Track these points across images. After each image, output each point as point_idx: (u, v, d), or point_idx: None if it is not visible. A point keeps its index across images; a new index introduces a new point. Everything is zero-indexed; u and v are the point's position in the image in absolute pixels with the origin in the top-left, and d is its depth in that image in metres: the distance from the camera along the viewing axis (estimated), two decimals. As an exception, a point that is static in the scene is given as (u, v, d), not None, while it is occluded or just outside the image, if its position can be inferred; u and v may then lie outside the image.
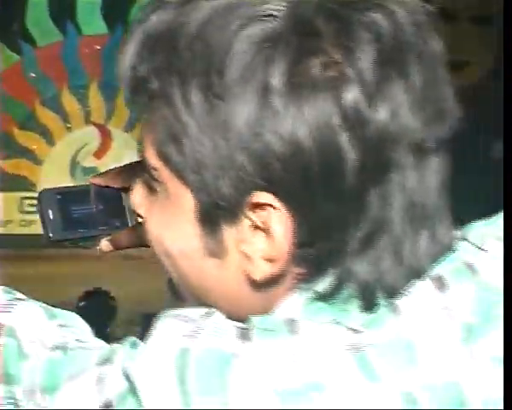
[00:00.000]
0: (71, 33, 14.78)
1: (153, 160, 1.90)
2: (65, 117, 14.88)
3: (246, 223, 1.94)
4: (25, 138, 14.74)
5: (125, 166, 3.07)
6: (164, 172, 1.92)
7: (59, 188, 2.92)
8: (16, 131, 14.64)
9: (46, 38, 14.72)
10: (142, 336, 4.56)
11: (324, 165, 1.86)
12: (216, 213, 1.95)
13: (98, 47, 14.87)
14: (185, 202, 1.99)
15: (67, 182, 14.33)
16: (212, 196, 1.93)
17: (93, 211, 3.12)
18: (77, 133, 15.02)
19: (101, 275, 11.94)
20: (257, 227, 1.93)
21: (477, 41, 15.11)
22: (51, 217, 2.92)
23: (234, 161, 1.91)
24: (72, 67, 14.84)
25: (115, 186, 3.03)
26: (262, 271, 1.90)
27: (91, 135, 15.04)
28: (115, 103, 14.75)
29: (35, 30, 14.64)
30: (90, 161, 14.96)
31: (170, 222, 2.07)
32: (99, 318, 9.43)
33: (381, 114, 1.80)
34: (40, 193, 3.02)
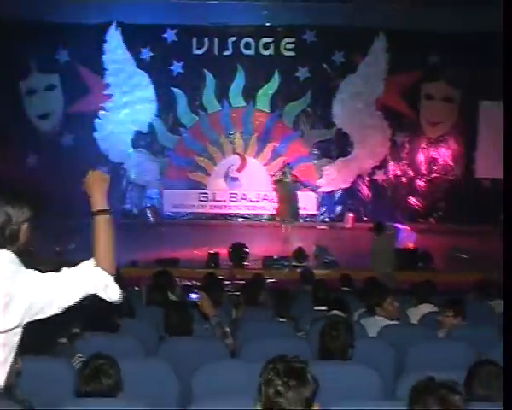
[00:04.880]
0: (226, 106, 17.14)
1: None
2: (222, 150, 17.21)
3: None
4: (201, 162, 17.14)
5: None
6: None
7: None
8: (196, 157, 17.08)
9: (212, 108, 17.12)
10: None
11: None
12: None
13: (240, 114, 17.19)
14: None
15: (222, 184, 17.02)
16: None
17: None
18: (228, 158, 17.29)
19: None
20: None
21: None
22: None
23: None
24: (226, 124, 17.13)
25: None
26: None
27: (236, 159, 17.27)
28: (249, 143, 17.14)
29: (207, 103, 17.11)
30: (234, 174, 17.17)
31: None
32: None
33: None
34: None
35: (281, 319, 6.35)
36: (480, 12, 15.30)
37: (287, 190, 15.53)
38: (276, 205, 15.97)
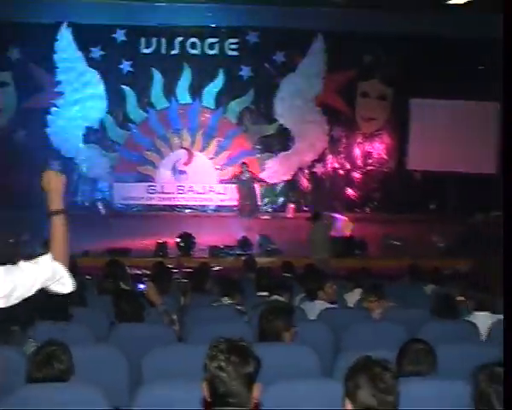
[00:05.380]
0: (173, 102, 17.04)
1: None
2: (169, 145, 17.09)
3: None
4: (149, 156, 16.98)
5: None
6: None
7: None
8: (145, 152, 16.91)
9: (160, 105, 17.01)
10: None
11: None
12: None
13: (186, 110, 17.13)
14: None
15: (170, 177, 16.92)
16: None
17: None
18: (175, 153, 17.14)
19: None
20: None
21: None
22: None
23: None
24: (174, 120, 17.03)
25: None
26: None
27: (183, 154, 17.11)
28: (195, 138, 17.06)
29: (155, 100, 16.98)
30: (182, 167, 17.05)
31: None
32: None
33: None
34: None
35: (226, 299, 6.37)
36: (409, 16, 15.59)
37: (246, 187, 15.73)
38: (237, 202, 16.18)
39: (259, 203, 16.90)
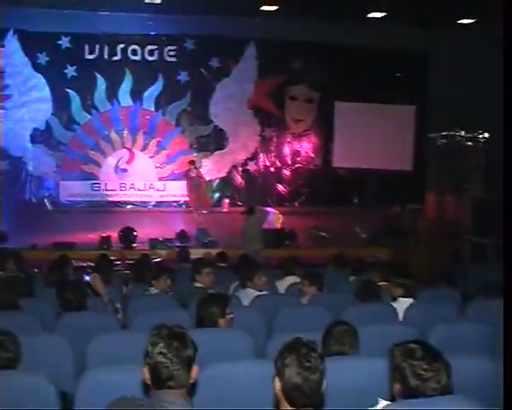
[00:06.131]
0: (115, 105, 16.86)
1: None
2: (112, 145, 16.88)
3: None
4: (93, 155, 16.72)
5: None
6: None
7: None
8: (89, 151, 16.69)
9: (103, 107, 16.79)
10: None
11: None
12: None
13: (128, 112, 16.93)
14: None
15: (113, 175, 16.71)
16: None
17: None
18: (117, 152, 16.94)
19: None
20: None
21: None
22: None
23: None
24: (116, 121, 16.83)
25: None
26: None
27: (124, 153, 16.95)
28: (136, 138, 16.91)
29: (98, 103, 16.74)
30: (123, 166, 16.87)
31: None
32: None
33: None
34: None
35: (153, 288, 6.36)
36: (335, 27, 15.82)
37: (193, 183, 15.85)
38: (187, 197, 16.53)
39: (208, 198, 17.00)
